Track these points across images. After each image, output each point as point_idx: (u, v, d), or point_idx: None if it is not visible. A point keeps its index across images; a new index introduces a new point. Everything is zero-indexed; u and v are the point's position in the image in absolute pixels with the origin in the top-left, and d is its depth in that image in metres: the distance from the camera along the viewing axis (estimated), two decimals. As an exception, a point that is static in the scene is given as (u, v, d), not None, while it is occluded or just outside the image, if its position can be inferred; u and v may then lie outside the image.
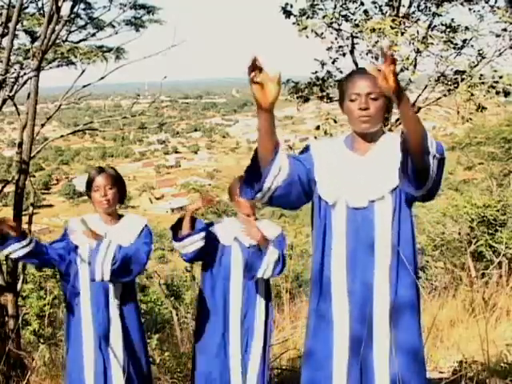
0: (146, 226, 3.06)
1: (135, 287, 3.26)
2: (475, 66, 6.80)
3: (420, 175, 2.06)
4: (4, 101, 4.68)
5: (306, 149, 2.49)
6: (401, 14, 6.96)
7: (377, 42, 6.67)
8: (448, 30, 6.86)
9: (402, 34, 6.44)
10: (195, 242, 3.18)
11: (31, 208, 5.16)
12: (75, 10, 5.74)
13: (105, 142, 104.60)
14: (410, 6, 7.10)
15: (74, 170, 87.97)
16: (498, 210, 7.56)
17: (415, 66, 6.84)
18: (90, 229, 2.84)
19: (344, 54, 7.33)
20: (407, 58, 6.58)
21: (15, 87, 5.18)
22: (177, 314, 6.01)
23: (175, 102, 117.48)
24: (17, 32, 5.10)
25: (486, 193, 9.97)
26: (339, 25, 7.08)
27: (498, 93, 6.59)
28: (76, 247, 2.99)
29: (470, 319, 4.85)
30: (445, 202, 9.06)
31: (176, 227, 3.28)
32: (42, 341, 5.98)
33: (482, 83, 6.51)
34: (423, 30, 6.70)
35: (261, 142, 2.23)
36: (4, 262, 4.77)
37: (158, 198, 79.76)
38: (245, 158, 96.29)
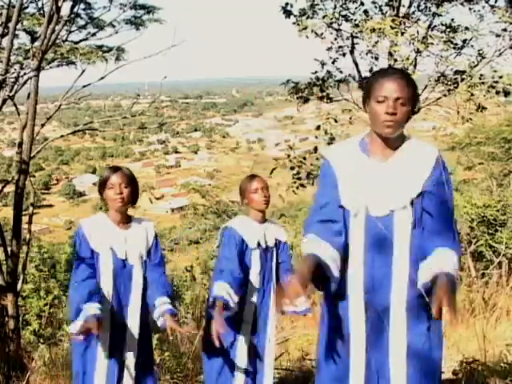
0: (155, 234, 3.10)
1: None
2: (475, 66, 6.80)
3: None
4: (4, 101, 4.69)
5: (325, 166, 2.35)
6: (401, 14, 6.95)
7: (377, 42, 6.68)
8: (448, 29, 6.86)
9: (402, 34, 6.44)
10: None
11: (31, 208, 5.17)
12: (75, 9, 5.75)
13: (105, 142, 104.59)
14: (410, 6, 7.10)
15: (74, 170, 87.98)
16: (498, 210, 7.56)
17: (415, 66, 6.84)
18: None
19: (344, 54, 7.32)
20: (407, 58, 6.58)
21: (15, 87, 5.19)
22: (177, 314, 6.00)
23: (175, 101, 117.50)
24: (17, 32, 5.10)
25: (486, 193, 9.96)
26: (339, 25, 7.08)
27: (498, 93, 6.59)
28: (94, 251, 2.92)
29: (470, 319, 4.85)
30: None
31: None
32: (41, 341, 5.97)
33: (482, 83, 6.51)
34: (423, 30, 6.69)
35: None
36: (4, 262, 4.78)
37: (158, 198, 79.73)
38: (245, 158, 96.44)
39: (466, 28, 6.82)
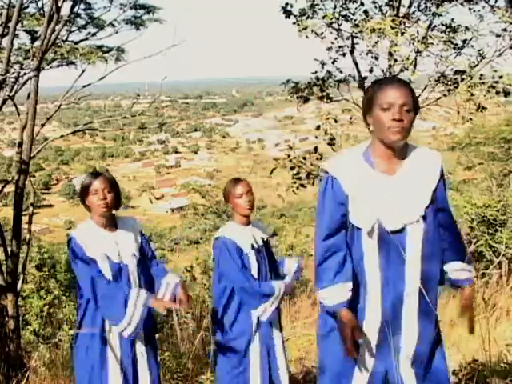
0: (141, 230, 3.12)
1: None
2: (475, 66, 6.79)
3: None
4: (4, 101, 4.68)
5: (329, 181, 2.28)
6: (401, 14, 6.95)
7: (377, 42, 6.67)
8: (448, 30, 6.85)
9: (402, 34, 6.43)
10: None
11: (31, 208, 5.16)
12: (75, 9, 5.75)
13: (105, 142, 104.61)
14: (410, 6, 7.10)
15: (74, 170, 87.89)
16: (498, 210, 7.55)
17: (415, 66, 6.83)
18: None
19: (344, 54, 7.32)
20: (407, 58, 6.58)
21: (15, 87, 5.19)
22: (177, 314, 6.01)
23: (175, 102, 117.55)
24: (17, 32, 5.10)
25: (486, 193, 9.96)
26: (339, 25, 7.08)
27: (498, 93, 6.59)
28: (93, 260, 2.90)
29: (470, 319, 4.84)
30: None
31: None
32: (41, 341, 5.98)
33: (482, 83, 6.50)
34: (423, 30, 6.69)
35: None
36: (4, 262, 4.77)
37: (158, 198, 79.77)
38: (245, 158, 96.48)
39: (466, 28, 6.82)
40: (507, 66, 6.85)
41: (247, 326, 3.25)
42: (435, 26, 7.01)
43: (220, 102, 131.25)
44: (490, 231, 7.51)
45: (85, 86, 5.69)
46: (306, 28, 6.81)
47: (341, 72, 7.40)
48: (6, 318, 4.53)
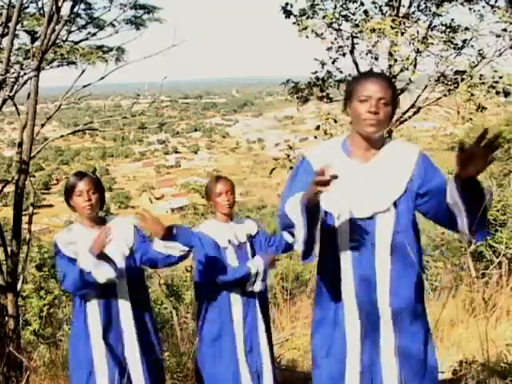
0: (135, 226, 3.05)
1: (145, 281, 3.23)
2: (475, 66, 6.80)
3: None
4: (4, 101, 4.68)
5: (304, 164, 2.36)
6: (401, 14, 6.96)
7: (377, 42, 6.68)
8: (448, 30, 6.86)
9: (402, 34, 6.44)
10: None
11: (31, 208, 5.16)
12: (75, 9, 5.75)
13: (105, 142, 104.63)
14: (410, 6, 7.11)
15: (74, 170, 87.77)
16: (498, 210, 7.55)
17: (415, 66, 6.84)
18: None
19: (344, 54, 7.33)
20: (407, 58, 6.59)
21: (15, 87, 5.18)
22: (177, 314, 6.01)
23: (175, 102, 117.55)
24: (17, 32, 5.10)
25: (486, 193, 9.95)
26: (339, 25, 7.09)
27: (498, 93, 6.60)
28: (73, 259, 2.89)
29: (470, 319, 4.85)
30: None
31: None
32: (41, 341, 5.98)
33: (482, 83, 6.51)
34: (423, 30, 6.70)
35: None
36: (4, 262, 4.77)
37: (158, 198, 79.79)
38: (245, 158, 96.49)
39: (466, 28, 6.83)
40: (507, 66, 6.87)
41: (225, 309, 3.29)
42: (435, 26, 7.03)
43: (220, 101, 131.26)
44: (490, 231, 7.51)
45: (85, 86, 5.68)
46: (306, 28, 6.83)
47: (341, 72, 7.41)
48: (6, 318, 4.52)
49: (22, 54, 6.12)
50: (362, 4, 7.13)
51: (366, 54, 7.18)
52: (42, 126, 5.24)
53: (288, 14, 7.10)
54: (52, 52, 5.75)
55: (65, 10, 4.77)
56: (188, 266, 9.27)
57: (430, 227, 8.79)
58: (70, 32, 6.35)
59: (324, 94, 7.45)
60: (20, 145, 4.64)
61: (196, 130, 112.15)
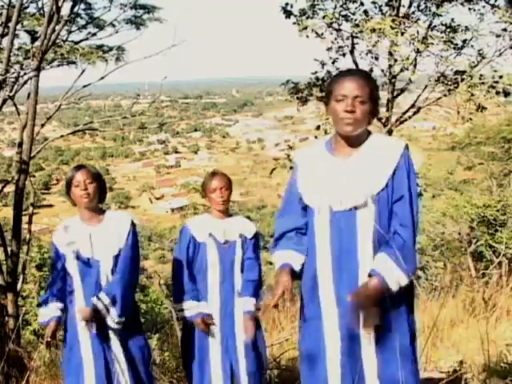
0: (131, 225, 3.01)
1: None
2: (475, 66, 6.80)
3: None
4: (4, 101, 4.68)
5: (294, 166, 2.50)
6: (401, 14, 6.95)
7: (377, 42, 6.67)
8: (448, 30, 6.85)
9: (402, 34, 6.43)
10: None
11: (31, 208, 5.17)
12: (75, 9, 5.75)
13: (105, 142, 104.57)
14: (410, 6, 7.10)
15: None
16: (498, 210, 7.56)
17: (415, 66, 6.84)
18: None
19: (344, 54, 7.32)
20: (407, 58, 6.58)
21: (15, 87, 5.19)
22: (177, 314, 6.00)
23: (175, 102, 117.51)
24: (17, 32, 5.10)
25: (486, 193, 9.96)
26: (339, 25, 7.08)
27: (498, 93, 6.59)
28: (64, 256, 2.96)
29: (470, 319, 4.85)
30: (445, 202, 9.06)
31: None
32: (41, 341, 5.97)
33: (482, 83, 6.51)
34: (423, 30, 6.69)
35: None
36: (4, 262, 4.77)
37: (158, 198, 79.75)
38: (245, 158, 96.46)
39: (466, 28, 6.82)
40: (507, 66, 6.87)
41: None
42: (435, 26, 7.02)
43: (220, 101, 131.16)
44: (490, 231, 7.53)
45: (85, 86, 5.69)
46: (306, 28, 6.82)
47: (341, 72, 7.40)
48: (6, 318, 4.53)
49: (22, 54, 6.12)
50: (362, 4, 7.12)
51: (366, 54, 7.17)
52: (42, 126, 5.25)
53: (288, 14, 7.09)
54: (52, 52, 5.75)
55: (65, 10, 4.78)
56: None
57: (430, 227, 8.80)
58: (70, 32, 6.35)
59: (324, 94, 7.44)
60: (20, 145, 4.64)
61: (196, 130, 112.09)
